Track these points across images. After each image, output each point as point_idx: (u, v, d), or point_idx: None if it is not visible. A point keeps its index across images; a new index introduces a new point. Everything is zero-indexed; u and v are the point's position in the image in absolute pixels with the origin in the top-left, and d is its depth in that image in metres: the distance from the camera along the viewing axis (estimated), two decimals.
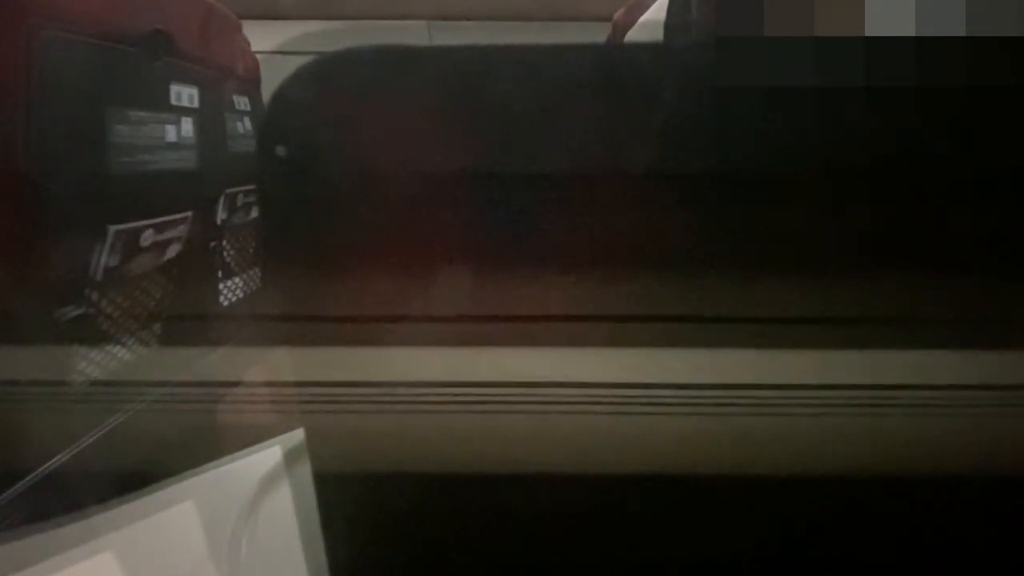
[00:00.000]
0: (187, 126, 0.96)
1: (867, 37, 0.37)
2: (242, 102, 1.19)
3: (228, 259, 1.14)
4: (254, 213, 1.16)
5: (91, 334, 0.78)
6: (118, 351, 0.83)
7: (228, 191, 1.09)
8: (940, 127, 0.40)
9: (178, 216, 0.92)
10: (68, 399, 0.74)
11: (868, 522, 0.45)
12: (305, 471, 0.53)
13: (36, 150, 0.68)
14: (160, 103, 0.90)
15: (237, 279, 1.17)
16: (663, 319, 0.41)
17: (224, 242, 1.12)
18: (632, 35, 1.03)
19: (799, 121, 0.40)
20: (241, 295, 1.17)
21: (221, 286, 1.13)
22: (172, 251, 0.92)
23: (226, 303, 1.13)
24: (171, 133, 0.92)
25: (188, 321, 0.96)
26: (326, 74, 0.44)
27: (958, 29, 0.37)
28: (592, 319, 0.42)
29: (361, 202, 0.43)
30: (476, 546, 0.47)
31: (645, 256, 0.42)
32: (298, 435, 0.63)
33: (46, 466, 0.68)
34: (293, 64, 0.42)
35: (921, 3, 0.37)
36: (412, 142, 0.42)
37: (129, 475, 0.63)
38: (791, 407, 0.42)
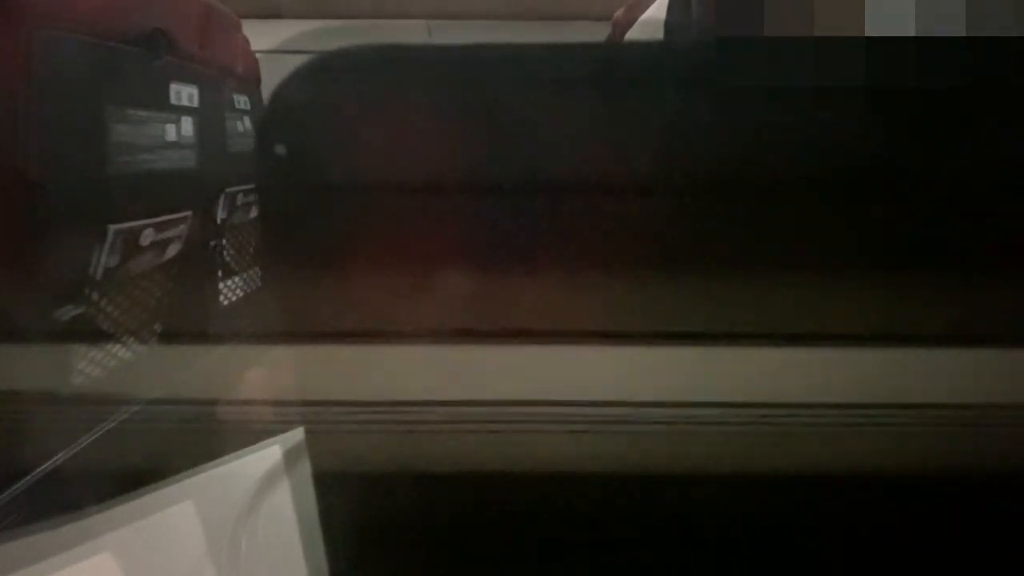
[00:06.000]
0: (187, 125, 0.96)
1: (867, 37, 0.37)
2: (242, 101, 1.19)
3: (228, 258, 1.14)
4: (254, 212, 1.16)
5: (91, 333, 0.77)
6: (118, 350, 0.83)
7: (228, 190, 1.09)
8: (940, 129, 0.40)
9: (178, 215, 0.92)
10: (65, 400, 0.74)
11: (864, 522, 0.45)
12: (305, 471, 0.53)
13: (36, 150, 0.68)
14: (160, 102, 0.90)
15: (237, 278, 1.17)
16: (665, 335, 0.41)
17: (224, 241, 1.12)
18: (632, 34, 1.03)
19: (799, 122, 0.40)
20: (241, 294, 1.17)
21: (221, 285, 1.13)
22: (172, 250, 0.92)
23: (226, 302, 1.13)
24: (171, 132, 0.92)
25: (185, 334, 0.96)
26: (325, 73, 0.44)
27: (958, 29, 0.37)
28: (590, 333, 0.42)
29: (360, 200, 0.43)
30: (476, 546, 0.47)
31: (643, 260, 0.42)
32: (298, 435, 0.63)
33: (46, 466, 0.68)
34: (293, 63, 0.42)
35: (921, 3, 0.36)
36: (411, 140, 0.42)
37: (129, 476, 0.63)
38: (790, 425, 0.42)
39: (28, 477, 0.66)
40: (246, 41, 1.23)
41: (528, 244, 0.43)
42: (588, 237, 0.43)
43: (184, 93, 0.95)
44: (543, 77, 0.42)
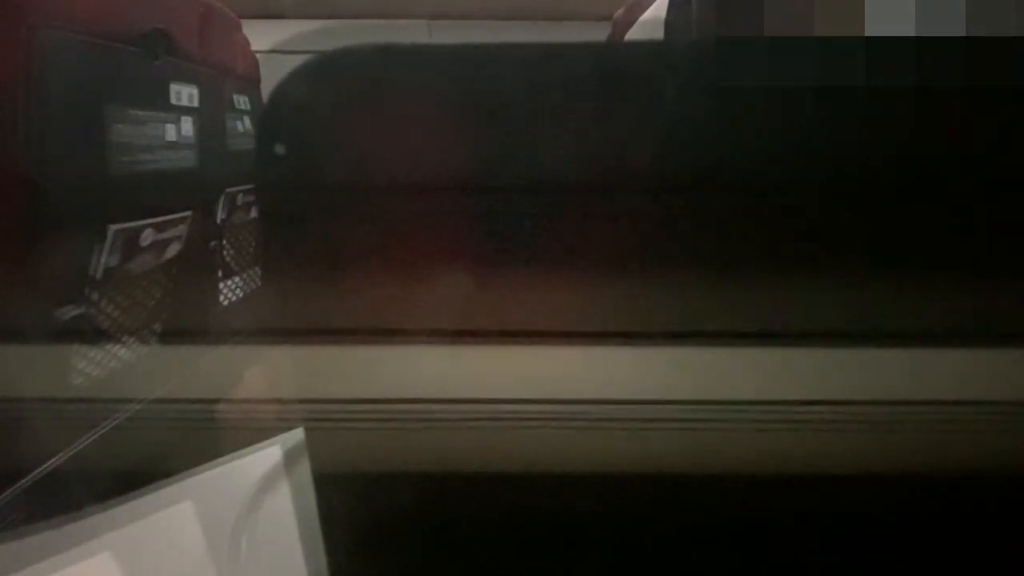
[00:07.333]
0: (187, 125, 0.96)
1: (867, 37, 0.37)
2: (242, 101, 1.19)
3: (228, 258, 1.14)
4: (254, 212, 1.16)
5: (91, 333, 0.78)
6: (118, 350, 0.83)
7: (228, 190, 1.09)
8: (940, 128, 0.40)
9: (178, 215, 0.92)
10: (65, 400, 0.74)
11: (865, 522, 0.45)
12: (305, 471, 0.53)
13: (36, 150, 0.68)
14: (160, 102, 0.90)
15: (237, 278, 1.17)
16: (664, 335, 0.41)
17: (224, 241, 1.12)
18: (632, 34, 1.03)
19: (799, 122, 0.40)
20: (241, 294, 1.17)
21: (221, 285, 1.13)
22: (172, 250, 0.92)
23: (226, 302, 1.13)
24: (171, 132, 0.92)
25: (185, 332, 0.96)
26: (325, 73, 0.44)
27: (958, 29, 0.37)
28: (590, 333, 0.42)
29: (359, 200, 0.43)
30: (476, 546, 0.47)
31: (643, 261, 0.42)
32: (298, 435, 0.63)
33: (46, 466, 0.68)
34: (292, 63, 0.42)
35: (921, 3, 0.36)
36: (411, 140, 0.42)
37: (129, 476, 0.63)
38: (790, 422, 0.42)
39: (28, 477, 0.66)
40: (246, 41, 1.23)
41: (528, 244, 0.43)
42: (588, 237, 0.43)
43: (184, 93, 0.95)
44: (543, 77, 0.42)
